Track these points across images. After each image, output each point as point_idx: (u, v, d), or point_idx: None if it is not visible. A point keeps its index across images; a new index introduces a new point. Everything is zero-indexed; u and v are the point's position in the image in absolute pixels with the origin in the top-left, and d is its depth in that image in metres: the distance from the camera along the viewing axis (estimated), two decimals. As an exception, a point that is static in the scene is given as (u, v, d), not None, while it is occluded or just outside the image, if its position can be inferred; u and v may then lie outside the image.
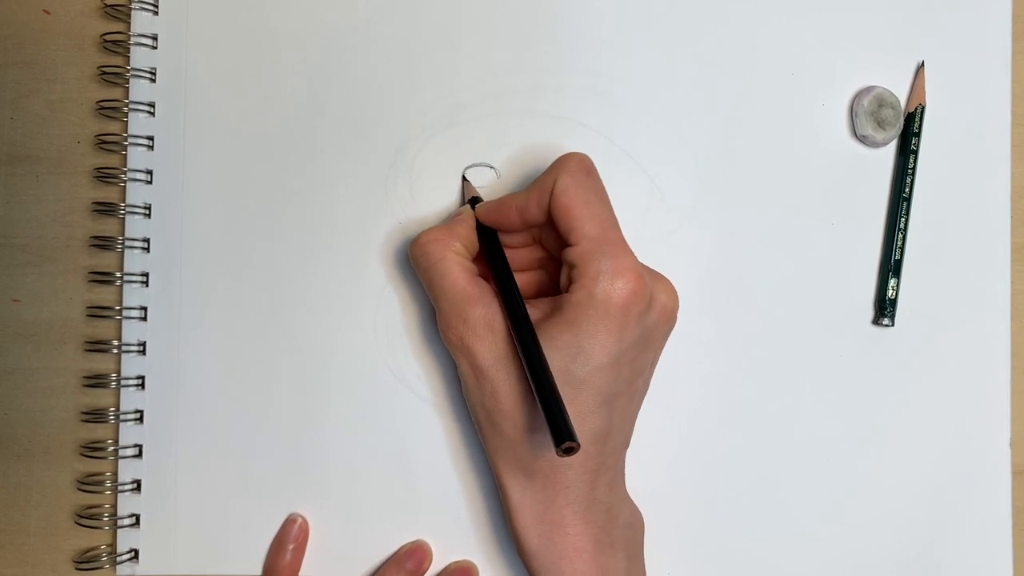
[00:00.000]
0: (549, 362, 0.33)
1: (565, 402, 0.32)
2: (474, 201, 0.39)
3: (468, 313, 0.35)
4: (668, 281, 0.36)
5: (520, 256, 0.39)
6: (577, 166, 0.35)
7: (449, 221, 0.38)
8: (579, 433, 0.33)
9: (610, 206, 0.36)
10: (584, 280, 0.34)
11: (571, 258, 0.35)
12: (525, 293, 0.38)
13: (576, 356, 0.34)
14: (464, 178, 0.41)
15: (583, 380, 0.34)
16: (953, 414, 0.41)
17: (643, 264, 0.35)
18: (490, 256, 0.37)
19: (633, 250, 0.35)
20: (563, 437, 0.30)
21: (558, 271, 0.37)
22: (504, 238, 0.38)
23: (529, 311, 0.35)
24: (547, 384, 0.32)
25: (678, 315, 0.37)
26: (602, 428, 0.34)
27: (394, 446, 0.40)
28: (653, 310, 0.35)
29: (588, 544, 0.35)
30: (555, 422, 0.31)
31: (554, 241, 0.37)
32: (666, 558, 0.40)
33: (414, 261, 0.37)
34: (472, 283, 0.36)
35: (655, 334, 0.36)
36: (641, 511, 0.38)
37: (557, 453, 0.30)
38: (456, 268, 0.36)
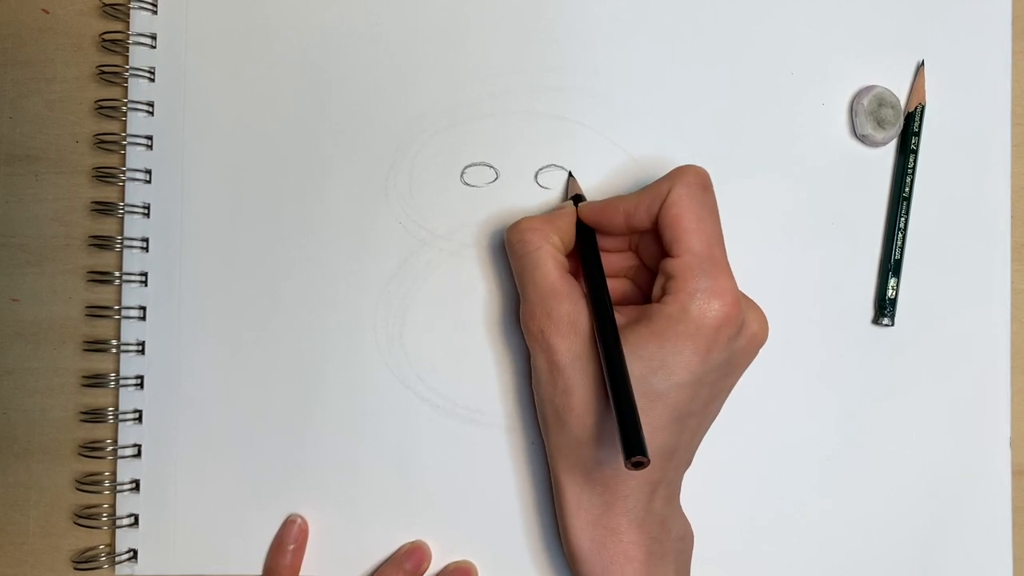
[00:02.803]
0: (629, 371, 0.32)
1: (639, 414, 0.31)
2: (576, 199, 0.39)
3: (554, 308, 0.35)
4: (761, 311, 0.36)
5: (612, 261, 0.38)
6: (695, 178, 0.35)
7: (550, 213, 0.38)
8: (647, 446, 0.33)
9: (719, 225, 0.35)
10: (680, 295, 0.34)
11: (670, 269, 0.34)
12: (612, 300, 0.38)
13: (658, 369, 0.33)
14: (570, 175, 0.40)
15: (661, 394, 0.33)
16: (953, 414, 0.41)
17: (740, 290, 0.35)
18: (585, 255, 0.37)
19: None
20: (634, 450, 0.30)
21: (647, 281, 0.37)
22: (601, 241, 0.37)
23: (616, 318, 0.34)
24: (625, 394, 0.31)
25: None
26: (670, 445, 0.34)
27: (394, 446, 0.40)
28: (742, 336, 0.35)
29: (640, 553, 0.35)
30: (628, 434, 0.30)
31: (652, 251, 0.37)
32: (666, 558, 0.40)
33: (509, 246, 0.37)
34: (563, 278, 0.36)
35: (740, 360, 0.36)
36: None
37: (625, 465, 0.30)
38: (550, 260, 0.36)
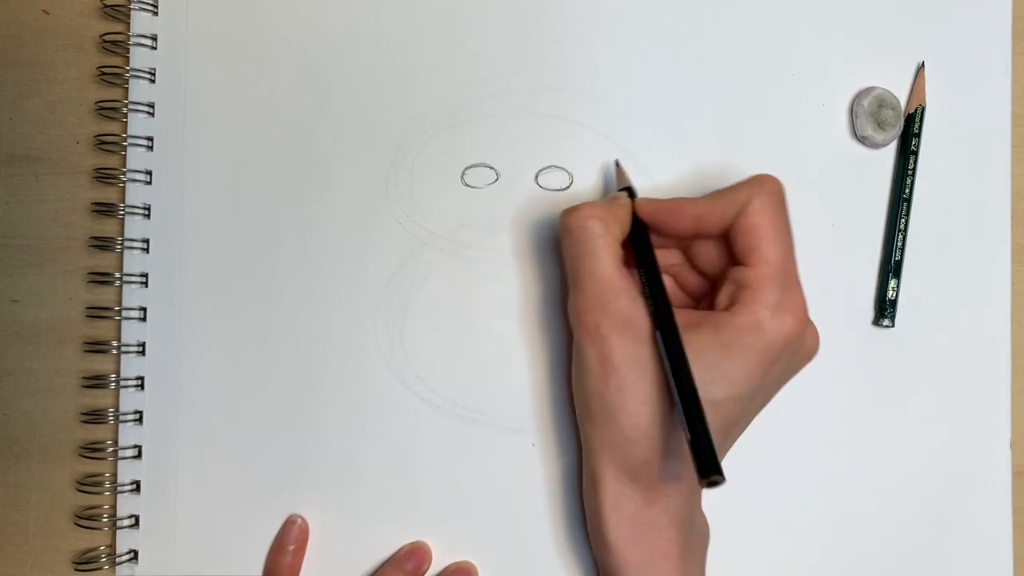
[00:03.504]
0: None
1: None
2: (629, 191, 0.38)
3: (611, 302, 0.34)
4: (815, 327, 0.36)
5: (657, 256, 0.37)
6: (775, 189, 0.35)
7: (607, 200, 0.36)
8: None
9: (793, 240, 0.35)
10: (754, 306, 0.33)
11: (744, 279, 0.34)
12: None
13: (719, 379, 0.33)
14: (617, 163, 0.40)
15: (717, 403, 0.33)
16: (953, 414, 0.41)
17: None
18: (641, 254, 0.36)
19: None
20: (710, 470, 0.30)
21: (690, 281, 0.36)
22: (653, 235, 0.36)
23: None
24: (695, 409, 0.31)
25: None
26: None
27: (394, 446, 0.40)
28: (801, 352, 0.35)
29: (677, 549, 0.35)
30: (702, 453, 0.30)
31: (710, 255, 0.36)
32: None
33: (567, 231, 0.35)
34: (621, 273, 0.35)
35: (790, 375, 0.36)
36: None
37: (701, 484, 0.30)
38: (610, 252, 0.34)
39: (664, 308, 0.34)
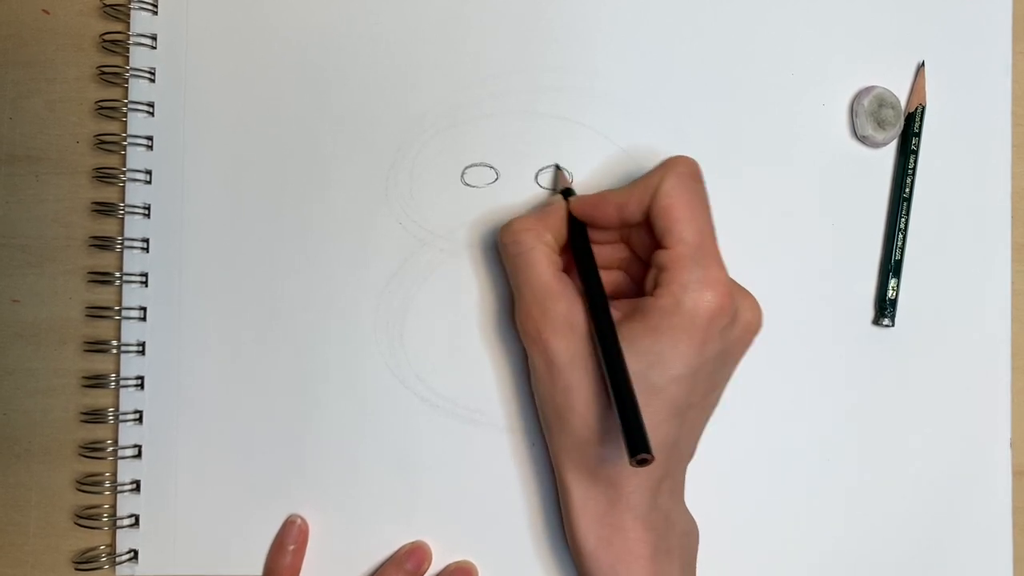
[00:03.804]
0: (627, 366, 0.32)
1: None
2: (566, 193, 0.38)
3: (549, 308, 0.35)
4: (753, 298, 0.36)
5: (603, 253, 0.38)
6: (685, 168, 0.35)
7: (541, 210, 0.38)
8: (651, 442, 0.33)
9: (711, 216, 0.35)
10: (673, 287, 0.34)
11: (663, 261, 0.34)
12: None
13: (655, 363, 0.33)
14: (557, 167, 0.40)
15: (659, 388, 0.33)
16: (953, 414, 0.41)
17: (732, 279, 0.35)
18: (578, 252, 0.36)
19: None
20: (638, 448, 0.30)
21: (640, 272, 0.37)
22: (592, 234, 0.37)
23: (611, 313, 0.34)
24: (626, 391, 0.31)
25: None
26: (671, 438, 0.34)
27: (394, 446, 0.40)
28: (737, 325, 0.35)
29: (646, 550, 0.35)
30: (631, 431, 0.30)
31: (643, 242, 0.37)
32: (666, 558, 0.40)
33: (503, 247, 0.37)
34: (557, 278, 0.35)
35: (735, 350, 0.36)
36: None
37: (630, 463, 0.30)
38: (544, 260, 0.36)
39: (597, 303, 0.34)
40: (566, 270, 0.37)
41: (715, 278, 0.34)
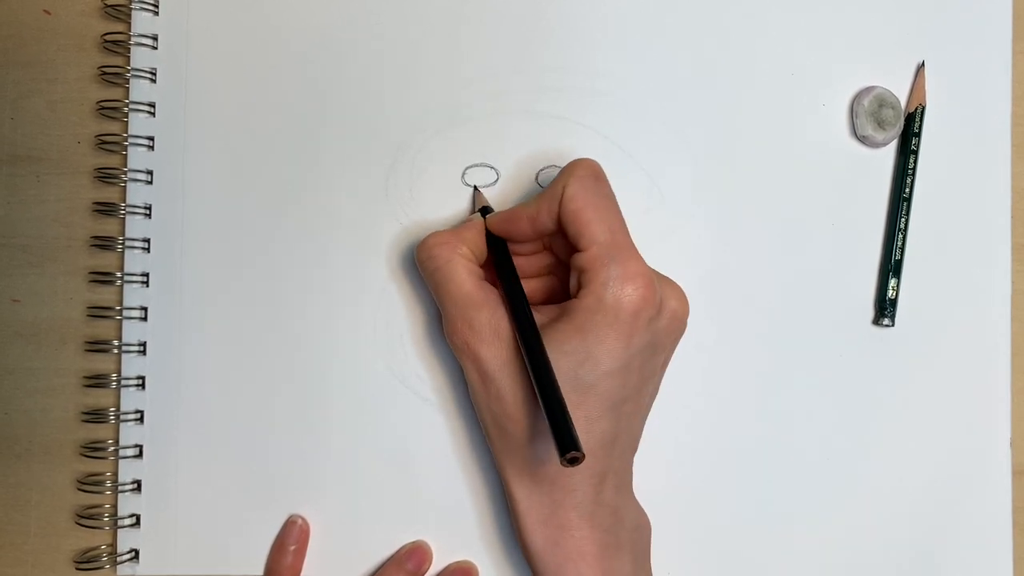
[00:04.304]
0: (556, 367, 0.33)
1: (572, 407, 0.32)
2: (484, 211, 0.39)
3: (474, 318, 0.35)
4: (678, 286, 0.36)
5: (530, 263, 0.38)
6: (585, 171, 0.35)
7: (457, 226, 0.38)
8: (587, 438, 0.33)
9: (619, 211, 0.36)
10: (593, 285, 0.34)
11: (580, 263, 0.35)
12: (535, 299, 0.38)
13: (584, 361, 0.33)
14: (475, 188, 0.41)
15: (591, 385, 0.34)
16: (953, 414, 0.41)
17: (653, 269, 0.35)
18: (499, 264, 0.37)
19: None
20: (567, 447, 0.30)
21: (568, 277, 0.37)
22: (514, 246, 0.38)
23: (536, 317, 0.35)
24: (552, 393, 0.32)
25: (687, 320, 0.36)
26: (609, 433, 0.34)
27: (394, 446, 0.40)
28: (663, 316, 0.35)
29: (593, 548, 0.35)
30: (560, 432, 0.30)
31: (564, 247, 0.37)
32: (665, 558, 0.40)
33: (420, 264, 0.37)
34: (478, 287, 0.36)
35: (664, 340, 0.36)
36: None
37: (561, 463, 0.30)
38: (462, 272, 0.36)
39: (520, 310, 0.35)
40: (491, 283, 0.37)
41: (634, 271, 0.34)
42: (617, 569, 0.35)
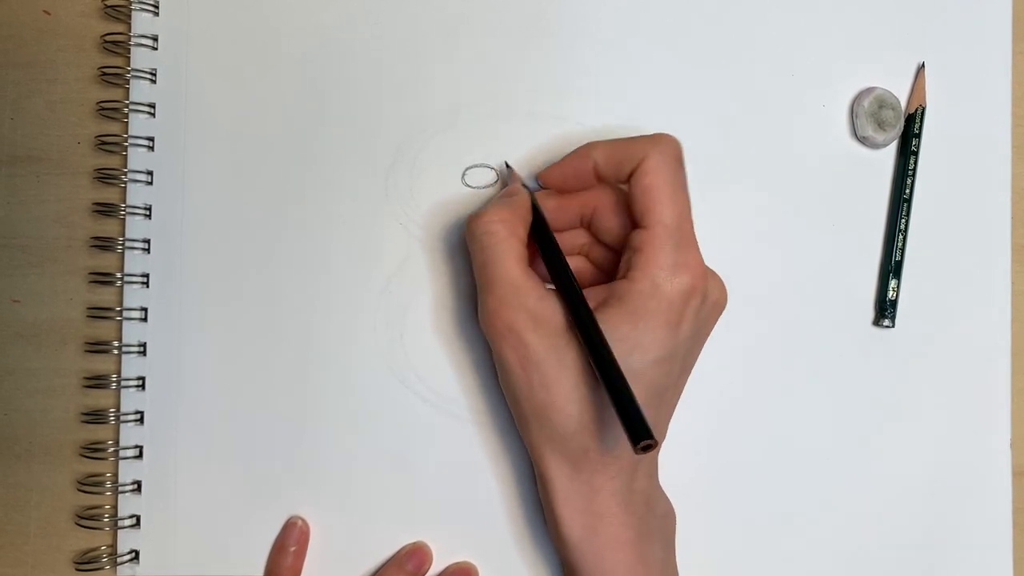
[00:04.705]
0: None
1: None
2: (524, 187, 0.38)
3: (524, 302, 0.34)
4: (719, 278, 0.36)
5: (564, 240, 0.38)
6: (672, 149, 0.35)
7: (508, 201, 0.36)
8: None
9: (689, 202, 0.35)
10: (651, 268, 0.34)
11: (639, 242, 0.34)
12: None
13: (634, 349, 0.33)
14: (507, 165, 0.40)
15: (639, 373, 0.33)
16: (953, 414, 0.41)
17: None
18: (544, 244, 0.36)
19: None
20: (641, 435, 0.30)
21: (602, 257, 0.37)
22: (551, 219, 0.37)
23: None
24: (619, 381, 0.31)
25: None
26: (651, 422, 0.34)
27: (394, 447, 0.40)
28: (706, 305, 0.35)
29: (631, 534, 0.35)
30: (632, 420, 0.30)
31: (608, 225, 0.36)
32: (666, 559, 0.40)
33: (472, 238, 0.36)
34: (527, 272, 0.35)
35: (705, 329, 0.36)
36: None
37: (635, 451, 0.30)
38: (514, 254, 0.35)
39: (575, 296, 0.34)
40: (530, 263, 0.36)
41: (694, 262, 0.34)
42: (650, 555, 0.35)
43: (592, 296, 0.35)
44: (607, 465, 0.35)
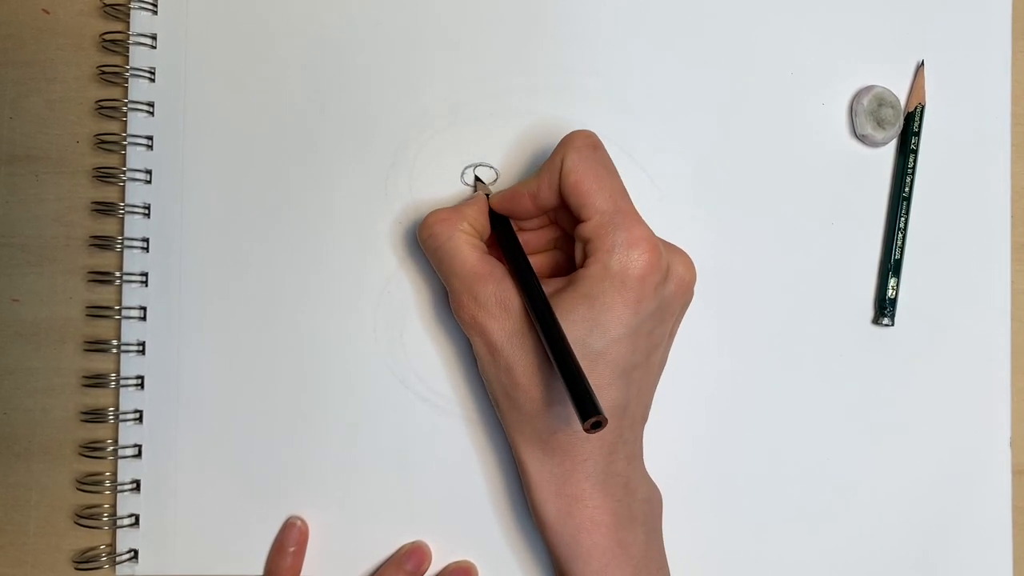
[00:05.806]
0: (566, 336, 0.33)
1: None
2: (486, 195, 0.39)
3: (479, 291, 0.35)
4: (685, 253, 0.36)
5: (536, 237, 0.39)
6: (583, 142, 0.36)
7: (457, 204, 0.38)
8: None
9: (619, 178, 0.36)
10: (599, 253, 0.34)
11: (585, 233, 0.35)
12: (542, 274, 0.38)
13: (593, 329, 0.34)
14: (477, 178, 0.41)
15: (600, 352, 0.34)
16: (953, 414, 0.41)
17: (658, 236, 0.35)
18: (503, 240, 0.37)
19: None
20: (589, 412, 0.30)
21: (571, 248, 0.37)
22: (519, 221, 0.38)
23: (544, 289, 0.35)
24: (569, 359, 0.32)
25: (694, 289, 0.37)
26: (620, 401, 0.34)
27: (394, 446, 0.40)
28: (670, 281, 0.35)
29: (606, 517, 0.35)
30: (580, 398, 0.30)
31: (568, 219, 0.37)
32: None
33: (423, 242, 0.37)
34: (482, 261, 0.36)
35: (672, 305, 0.36)
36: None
37: (584, 429, 0.30)
38: (465, 247, 0.36)
39: (528, 280, 0.35)
40: (496, 258, 0.37)
41: (638, 236, 0.34)
42: (630, 540, 0.35)
43: (553, 285, 0.36)
44: (579, 447, 0.35)
